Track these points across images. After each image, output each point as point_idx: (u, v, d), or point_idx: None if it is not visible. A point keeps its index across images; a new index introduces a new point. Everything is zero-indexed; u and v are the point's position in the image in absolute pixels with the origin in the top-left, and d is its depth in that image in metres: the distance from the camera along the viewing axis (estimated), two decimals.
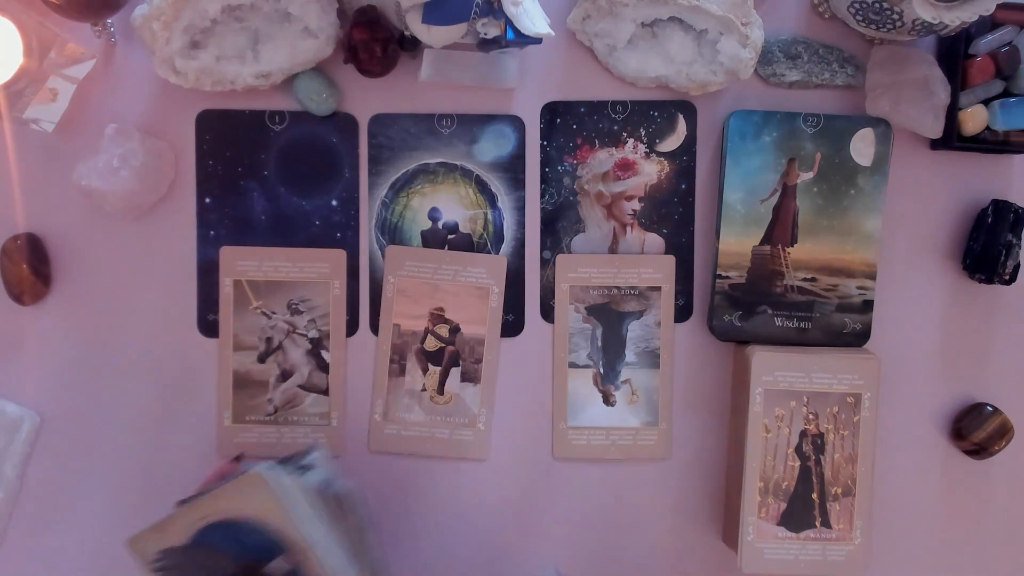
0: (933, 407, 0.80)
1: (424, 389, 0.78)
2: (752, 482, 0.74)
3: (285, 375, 0.78)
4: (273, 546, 0.62)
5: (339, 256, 0.78)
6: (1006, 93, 0.76)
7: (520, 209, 0.79)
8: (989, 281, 0.77)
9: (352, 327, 0.78)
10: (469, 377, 0.78)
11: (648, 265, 0.78)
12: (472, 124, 0.78)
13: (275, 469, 0.64)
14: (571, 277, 0.79)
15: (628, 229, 0.79)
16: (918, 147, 0.79)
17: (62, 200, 0.76)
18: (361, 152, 0.78)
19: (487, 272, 0.78)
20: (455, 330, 0.78)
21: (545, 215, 0.79)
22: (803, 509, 0.75)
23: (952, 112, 0.76)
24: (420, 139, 0.78)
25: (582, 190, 0.79)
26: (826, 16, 0.78)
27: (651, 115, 0.78)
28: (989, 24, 0.76)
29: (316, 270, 0.78)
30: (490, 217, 0.79)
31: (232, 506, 0.62)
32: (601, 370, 0.79)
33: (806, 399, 0.75)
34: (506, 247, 0.79)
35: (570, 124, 0.78)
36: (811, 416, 0.75)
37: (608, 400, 0.79)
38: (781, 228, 0.77)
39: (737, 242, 0.77)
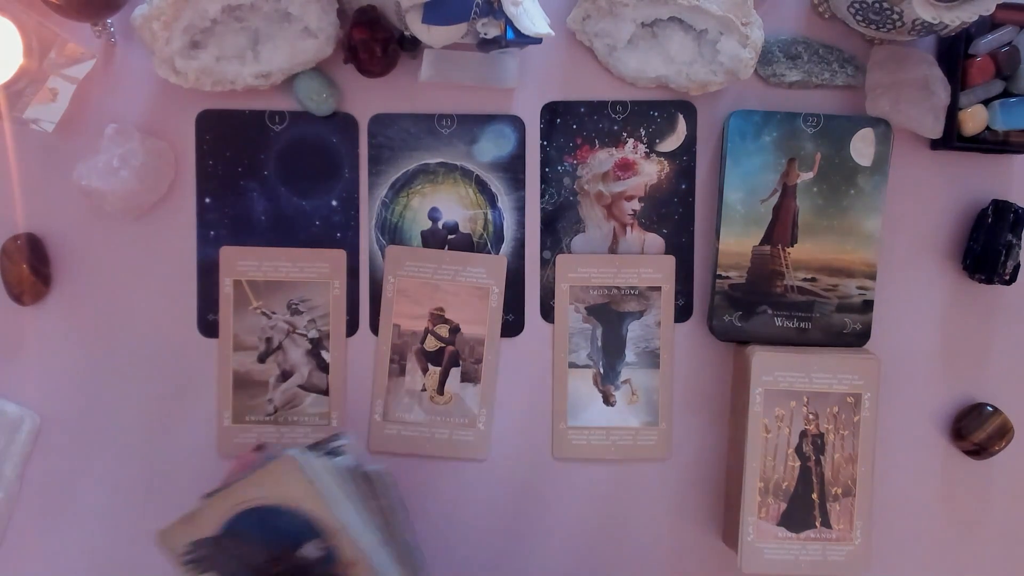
0: (933, 407, 0.80)
1: (424, 389, 0.78)
2: (752, 482, 0.74)
3: (285, 375, 0.78)
4: (305, 531, 0.62)
5: (339, 256, 0.78)
6: (1006, 93, 0.76)
7: (520, 209, 0.79)
8: (989, 281, 0.77)
9: (352, 327, 0.78)
10: (469, 377, 0.78)
11: (648, 265, 0.78)
12: (472, 124, 0.78)
13: (306, 453, 0.64)
14: (571, 277, 0.79)
15: (628, 229, 0.79)
16: (918, 147, 0.79)
17: (62, 200, 0.76)
18: (361, 152, 0.78)
19: (487, 272, 0.78)
20: (455, 330, 0.78)
21: (545, 215, 0.79)
22: (803, 509, 0.75)
23: (952, 112, 0.76)
24: (420, 139, 0.78)
25: (582, 190, 0.79)
26: (826, 16, 0.78)
27: (651, 115, 0.78)
28: (989, 24, 0.76)
29: (316, 270, 0.78)
30: (490, 217, 0.79)
31: (265, 492, 0.62)
32: (601, 370, 0.79)
33: (806, 399, 0.75)
34: (506, 247, 0.79)
35: (570, 124, 0.78)
36: (811, 416, 0.75)
37: (608, 400, 0.79)
38: (781, 228, 0.77)
39: (737, 242, 0.77)
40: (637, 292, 0.79)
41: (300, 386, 0.78)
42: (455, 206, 0.78)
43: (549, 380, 0.79)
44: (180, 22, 0.71)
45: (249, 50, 0.74)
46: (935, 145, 0.78)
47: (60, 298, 0.77)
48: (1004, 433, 0.78)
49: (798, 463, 0.75)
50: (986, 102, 0.76)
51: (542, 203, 0.79)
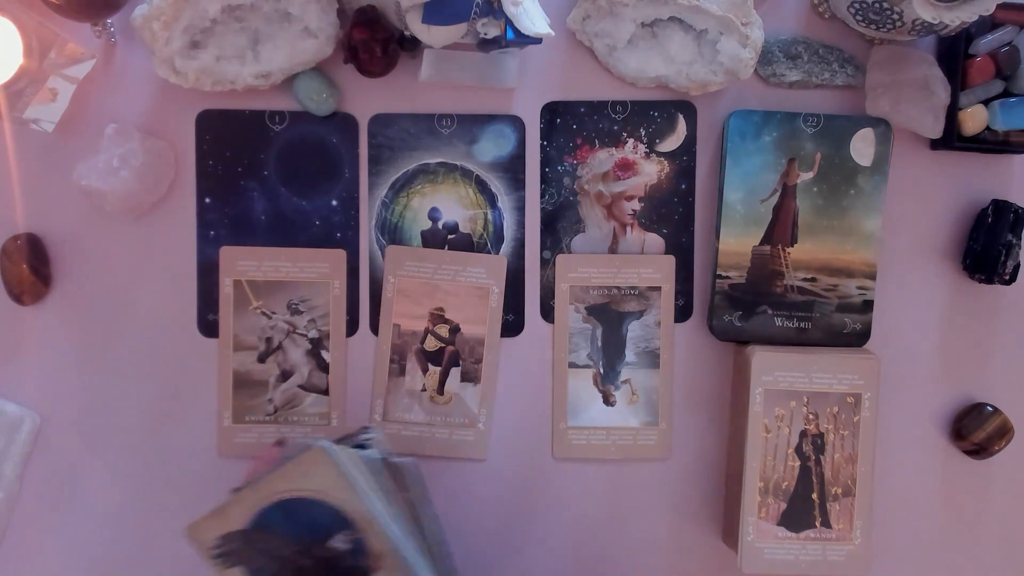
0: (933, 407, 0.80)
1: (424, 389, 0.78)
2: (752, 482, 0.74)
3: (285, 375, 0.78)
4: (334, 523, 0.62)
5: (339, 256, 0.78)
6: (1006, 93, 0.76)
7: (520, 209, 0.79)
8: (989, 281, 0.77)
9: (352, 327, 0.78)
10: (469, 377, 0.78)
11: (648, 265, 0.78)
12: (472, 124, 0.78)
13: (334, 445, 0.64)
14: (571, 277, 0.79)
15: (628, 229, 0.79)
16: (918, 147, 0.79)
17: (62, 200, 0.76)
18: (361, 152, 0.78)
19: (487, 272, 0.78)
20: (455, 330, 0.78)
21: (545, 215, 0.79)
22: (803, 509, 0.75)
23: (952, 112, 0.76)
24: (420, 139, 0.78)
25: (582, 190, 0.79)
26: (826, 16, 0.78)
27: (651, 115, 0.78)
28: (989, 24, 0.76)
29: (316, 270, 0.78)
30: (490, 217, 0.79)
31: (294, 484, 0.62)
32: (601, 370, 0.79)
33: (806, 399, 0.75)
34: (506, 247, 0.79)
35: (570, 124, 0.78)
36: (811, 416, 0.75)
37: (608, 400, 0.79)
38: (781, 228, 0.77)
39: (737, 242, 0.77)
40: (637, 292, 0.79)
41: (300, 386, 0.78)
42: (455, 206, 0.78)
43: (549, 380, 0.79)
44: (180, 22, 0.71)
45: (249, 50, 0.74)
46: (935, 145, 0.78)
47: (60, 298, 0.77)
48: (1004, 433, 0.78)
49: (798, 463, 0.75)
50: (986, 102, 0.76)
51: (542, 203, 0.79)
